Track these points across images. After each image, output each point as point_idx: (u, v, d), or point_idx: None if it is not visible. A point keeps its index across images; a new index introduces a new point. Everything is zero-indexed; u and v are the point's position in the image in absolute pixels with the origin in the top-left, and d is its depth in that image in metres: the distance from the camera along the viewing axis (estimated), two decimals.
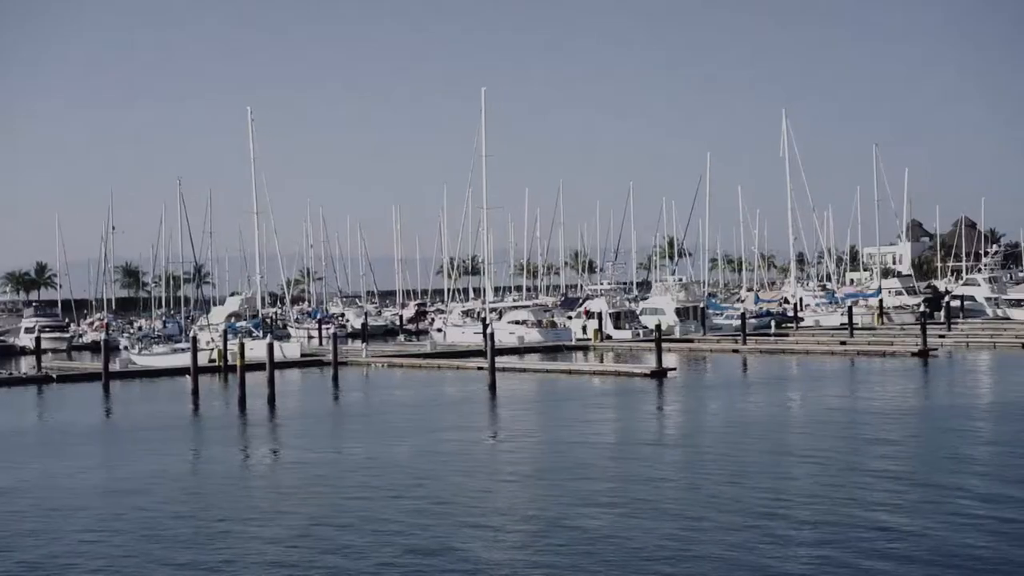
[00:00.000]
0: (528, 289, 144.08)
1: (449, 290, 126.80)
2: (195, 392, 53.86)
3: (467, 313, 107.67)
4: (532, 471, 32.29)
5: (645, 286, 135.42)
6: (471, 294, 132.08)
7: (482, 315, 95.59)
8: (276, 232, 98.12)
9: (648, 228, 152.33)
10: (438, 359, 76.57)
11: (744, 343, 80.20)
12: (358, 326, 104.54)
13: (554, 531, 24.13)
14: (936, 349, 70.54)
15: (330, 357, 67.92)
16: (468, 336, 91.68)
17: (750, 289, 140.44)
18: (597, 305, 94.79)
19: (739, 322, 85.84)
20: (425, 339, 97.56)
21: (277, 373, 54.59)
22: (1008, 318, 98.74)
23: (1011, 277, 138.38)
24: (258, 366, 57.31)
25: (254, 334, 79.08)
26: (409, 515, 26.08)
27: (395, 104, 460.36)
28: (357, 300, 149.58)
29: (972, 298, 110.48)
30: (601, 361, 75.83)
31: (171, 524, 25.83)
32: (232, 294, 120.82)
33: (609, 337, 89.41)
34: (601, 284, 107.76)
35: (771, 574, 20.35)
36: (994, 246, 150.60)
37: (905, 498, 26.40)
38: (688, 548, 22.25)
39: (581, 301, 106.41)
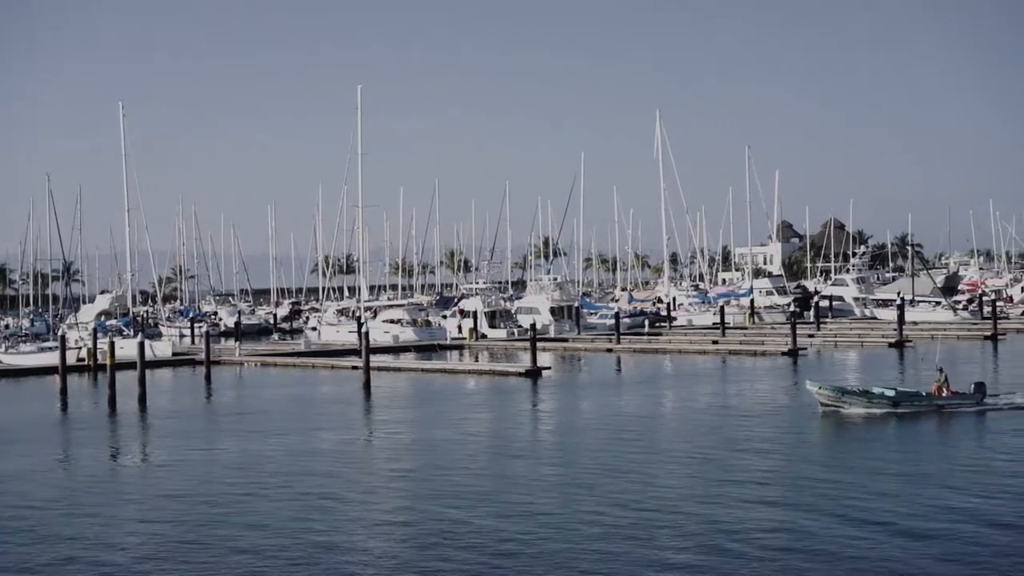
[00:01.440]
0: (403, 288, 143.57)
1: (324, 289, 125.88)
2: (63, 392, 52.73)
3: (342, 312, 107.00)
4: (405, 470, 32.31)
5: (520, 285, 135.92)
6: (346, 293, 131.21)
7: (357, 314, 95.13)
8: (148, 229, 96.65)
9: (523, 227, 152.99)
10: (312, 358, 76.17)
11: (618, 342, 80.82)
12: (231, 325, 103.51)
13: (425, 529, 24.31)
14: (805, 348, 71.73)
15: (202, 356, 67.16)
16: (343, 335, 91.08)
17: (624, 289, 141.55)
18: (472, 304, 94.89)
19: (613, 321, 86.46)
20: (299, 338, 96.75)
21: (148, 372, 53.79)
22: (875, 318, 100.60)
23: (878, 278, 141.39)
24: (128, 365, 56.36)
25: (124, 332, 77.97)
26: (281, 513, 26.07)
27: (271, 101, 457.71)
28: (230, 298, 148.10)
29: (840, 298, 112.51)
30: (476, 360, 75.97)
31: (39, 524, 25.47)
32: (102, 292, 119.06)
33: (484, 336, 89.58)
34: (476, 283, 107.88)
35: (643, 566, 20.65)
36: (862, 247, 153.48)
37: (771, 493, 26.92)
38: (555, 544, 22.57)
39: (456, 300, 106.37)
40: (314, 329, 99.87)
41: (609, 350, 79.01)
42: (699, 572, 20.47)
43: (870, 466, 30.34)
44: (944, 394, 40.71)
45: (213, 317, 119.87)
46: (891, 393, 40.84)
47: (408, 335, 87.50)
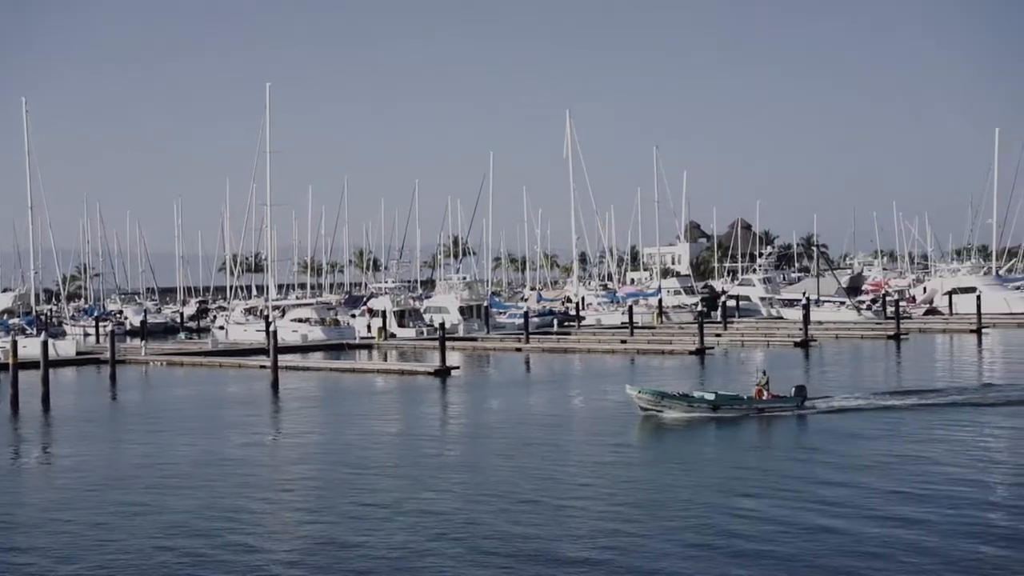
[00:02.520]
0: (312, 287, 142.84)
1: (231, 287, 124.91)
2: None
3: (250, 311, 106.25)
4: (312, 469, 32.22)
5: (429, 284, 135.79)
6: (254, 291, 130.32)
7: (265, 313, 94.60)
8: (51, 227, 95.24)
9: (433, 227, 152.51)
10: (220, 357, 75.65)
11: (527, 342, 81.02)
12: (137, 323, 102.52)
13: (328, 529, 24.35)
14: (712, 348, 72.36)
15: (107, 355, 66.45)
16: (250, 334, 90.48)
17: (533, 288, 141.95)
18: (381, 303, 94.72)
19: (522, 321, 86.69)
20: (206, 337, 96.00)
21: (52, 372, 53.18)
22: (781, 317, 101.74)
23: (784, 278, 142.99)
24: (32, 364, 55.57)
25: (27, 331, 76.84)
26: (186, 514, 25.87)
27: (178, 98, 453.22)
28: (136, 297, 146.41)
29: (747, 298, 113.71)
30: (385, 359, 75.77)
31: None
32: (4, 290, 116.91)
33: (393, 335, 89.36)
34: (385, 282, 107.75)
35: (549, 561, 20.81)
36: (768, 248, 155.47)
37: (660, 482, 27.24)
38: (459, 542, 22.70)
39: (365, 299, 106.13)
40: (221, 328, 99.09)
41: (518, 349, 79.18)
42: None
43: (676, 472, 30.29)
44: (765, 397, 40.67)
45: (118, 316, 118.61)
46: (711, 397, 40.54)
47: (316, 334, 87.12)
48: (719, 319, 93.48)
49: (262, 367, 63.13)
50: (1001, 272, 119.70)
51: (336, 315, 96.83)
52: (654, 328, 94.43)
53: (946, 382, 50.68)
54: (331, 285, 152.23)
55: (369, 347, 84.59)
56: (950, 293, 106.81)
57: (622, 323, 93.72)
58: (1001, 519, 23.74)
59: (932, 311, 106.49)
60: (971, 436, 35.05)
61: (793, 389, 41.56)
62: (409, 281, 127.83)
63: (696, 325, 76.69)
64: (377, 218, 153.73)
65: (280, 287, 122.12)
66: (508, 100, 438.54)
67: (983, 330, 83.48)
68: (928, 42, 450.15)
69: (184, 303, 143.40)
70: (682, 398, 40.56)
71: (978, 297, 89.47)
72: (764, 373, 42.05)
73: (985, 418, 38.83)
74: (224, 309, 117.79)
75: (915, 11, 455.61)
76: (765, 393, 40.83)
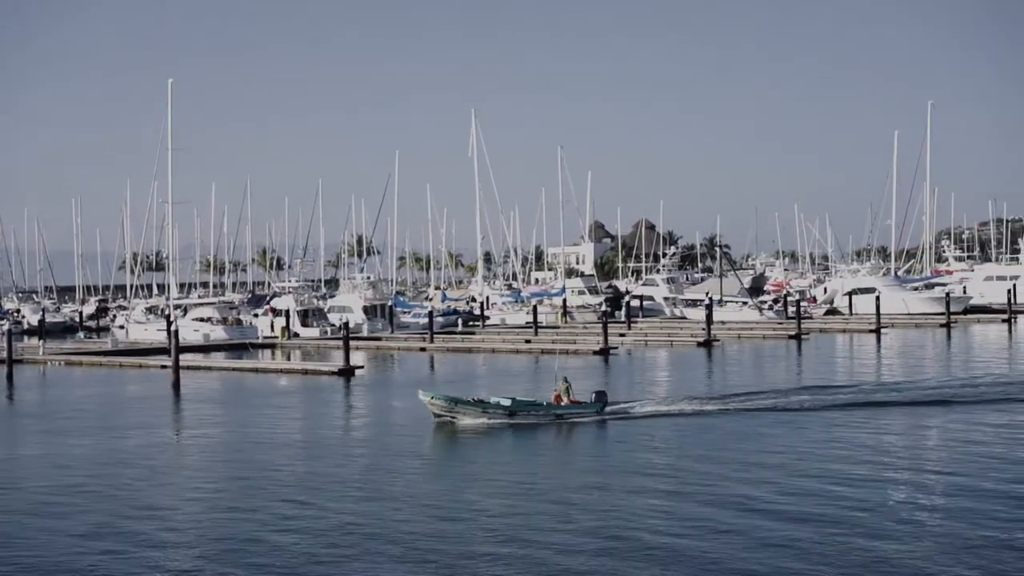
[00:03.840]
0: (215, 286, 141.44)
1: (132, 286, 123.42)
2: None
3: (150, 310, 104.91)
4: (212, 469, 32.08)
5: (333, 284, 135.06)
6: (155, 290, 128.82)
7: (166, 312, 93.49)
8: None
9: (337, 225, 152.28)
10: (120, 357, 74.71)
11: (431, 341, 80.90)
12: (35, 322, 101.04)
13: (227, 529, 24.27)
14: (616, 347, 72.73)
15: (4, 355, 65.31)
16: (151, 333, 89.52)
17: (438, 287, 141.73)
18: (284, 302, 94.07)
19: (427, 320, 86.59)
20: (106, 336, 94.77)
21: None
22: (685, 317, 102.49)
23: (687, 278, 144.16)
24: None
25: None
26: (86, 514, 25.63)
27: (77, 94, 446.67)
28: (34, 296, 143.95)
29: (651, 298, 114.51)
30: (288, 359, 75.25)
31: None
32: None
33: (296, 335, 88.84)
34: (289, 281, 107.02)
35: (452, 555, 20.80)
36: (672, 248, 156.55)
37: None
38: (359, 541, 22.74)
39: (268, 298, 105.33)
40: (122, 327, 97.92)
41: (422, 349, 79.04)
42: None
43: (462, 480, 29.78)
44: (564, 403, 39.90)
45: (16, 315, 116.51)
46: (507, 403, 39.34)
47: (219, 334, 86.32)
48: (623, 319, 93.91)
49: (163, 367, 62.50)
50: (900, 273, 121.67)
51: (239, 314, 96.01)
52: (558, 328, 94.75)
53: (777, 385, 50.33)
54: (234, 284, 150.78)
55: (272, 347, 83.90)
56: (850, 294, 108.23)
57: (527, 323, 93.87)
58: (750, 522, 23.90)
59: (832, 311, 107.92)
60: (764, 440, 34.84)
61: (593, 395, 40.91)
62: (313, 280, 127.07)
63: (600, 325, 76.99)
64: (281, 217, 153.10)
65: (182, 286, 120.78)
66: (413, 99, 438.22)
67: (882, 330, 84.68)
68: (832, 43, 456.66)
69: (83, 302, 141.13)
70: (476, 404, 39.57)
71: (877, 298, 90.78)
72: (566, 380, 40.86)
73: (780, 423, 38.46)
74: (124, 308, 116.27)
75: (816, 9, 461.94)
76: (564, 399, 40.04)
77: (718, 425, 38.19)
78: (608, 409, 40.33)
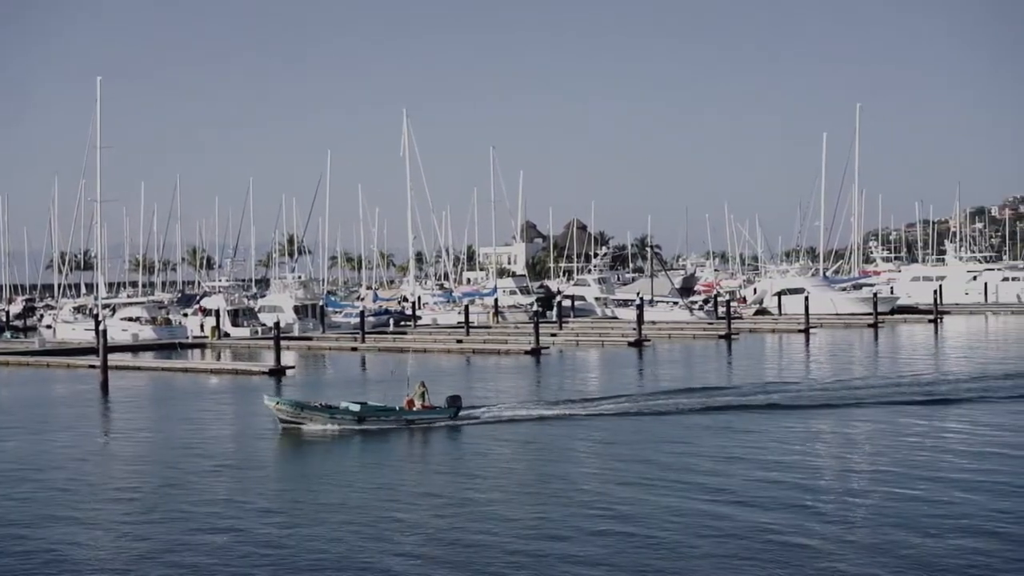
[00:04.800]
0: (144, 285, 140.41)
1: (60, 285, 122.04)
2: None
3: (79, 309, 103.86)
4: (140, 469, 31.91)
5: (264, 283, 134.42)
6: (83, 290, 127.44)
7: (94, 311, 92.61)
8: None
9: (267, 225, 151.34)
10: (47, 357, 73.93)
11: (363, 341, 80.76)
12: None
13: (154, 530, 24.21)
14: (548, 348, 72.91)
15: None
16: (79, 333, 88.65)
17: (369, 287, 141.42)
18: (215, 302, 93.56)
19: (358, 320, 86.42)
20: (34, 336, 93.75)
21: None
22: (616, 317, 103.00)
23: (619, 278, 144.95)
24: None
25: None
26: (9, 516, 25.51)
27: (2, 91, 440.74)
28: None
29: (582, 298, 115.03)
30: (218, 359, 74.86)
31: None
32: None
33: (227, 335, 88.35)
34: (219, 281, 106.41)
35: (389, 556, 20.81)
36: (603, 248, 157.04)
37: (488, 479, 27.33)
38: (283, 541, 22.74)
39: (198, 298, 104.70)
40: (49, 327, 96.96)
41: (354, 349, 78.89)
42: None
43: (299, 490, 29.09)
44: (416, 408, 39.06)
45: None
46: (356, 408, 38.61)
47: (148, 333, 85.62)
48: (555, 319, 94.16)
49: (91, 367, 61.89)
50: (828, 273, 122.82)
51: (168, 314, 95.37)
52: (490, 328, 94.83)
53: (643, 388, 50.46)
54: (163, 283, 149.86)
55: (202, 346, 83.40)
56: (779, 294, 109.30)
57: (458, 323, 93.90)
58: (575, 525, 23.94)
59: (762, 311, 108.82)
60: (593, 444, 34.98)
61: (447, 399, 39.90)
62: (243, 280, 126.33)
63: (532, 325, 77.19)
64: (211, 216, 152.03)
65: (110, 285, 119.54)
66: (345, 98, 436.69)
67: (810, 330, 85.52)
68: (762, 44, 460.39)
69: (10, 301, 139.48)
70: (324, 409, 38.70)
71: (806, 298, 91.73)
72: (422, 384, 39.99)
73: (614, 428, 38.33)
74: (52, 307, 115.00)
75: (747, 11, 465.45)
76: (419, 404, 39.21)
77: (575, 430, 37.73)
78: (463, 413, 39.47)
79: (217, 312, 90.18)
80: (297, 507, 26.40)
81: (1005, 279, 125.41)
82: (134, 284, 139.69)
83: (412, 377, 42.19)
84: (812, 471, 29.75)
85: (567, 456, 32.70)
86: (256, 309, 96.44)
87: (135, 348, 79.76)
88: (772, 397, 45.41)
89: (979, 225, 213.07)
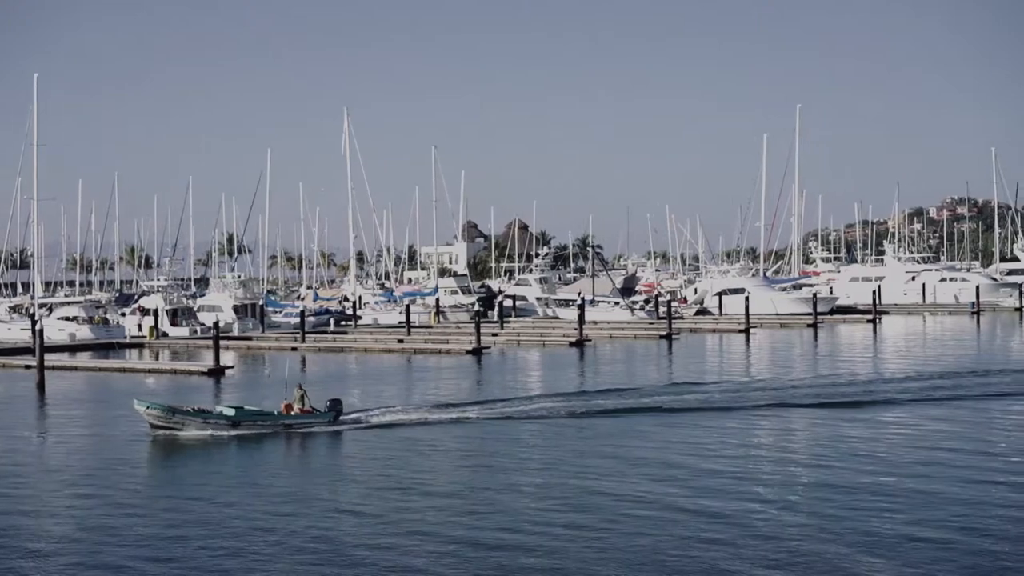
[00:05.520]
0: (81, 284, 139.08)
1: None
2: None
3: (15, 309, 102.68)
4: (76, 471, 31.63)
5: (203, 283, 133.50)
6: (19, 289, 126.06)
7: (31, 311, 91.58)
8: None
9: (207, 224, 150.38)
10: None
11: (303, 341, 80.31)
12: None
13: (88, 530, 24.14)
14: (489, 347, 72.82)
15: None
16: (15, 333, 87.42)
17: (309, 287, 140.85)
18: (153, 301, 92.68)
19: (298, 320, 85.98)
20: None
21: None
22: (557, 317, 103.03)
23: (560, 278, 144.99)
24: None
25: None
26: None
27: None
28: None
29: (524, 298, 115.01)
30: (157, 359, 74.17)
31: None
32: None
33: (165, 334, 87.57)
34: (158, 280, 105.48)
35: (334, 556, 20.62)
36: (545, 248, 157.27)
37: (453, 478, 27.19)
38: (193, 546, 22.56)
39: (137, 297, 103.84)
40: None
41: (294, 349, 78.43)
42: None
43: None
44: (295, 412, 38.36)
45: None
46: (231, 412, 37.81)
47: (85, 333, 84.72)
48: (496, 319, 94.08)
49: (27, 367, 61.28)
50: (768, 274, 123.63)
51: (106, 313, 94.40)
52: (431, 327, 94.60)
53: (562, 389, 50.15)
54: (101, 283, 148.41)
55: (140, 346, 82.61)
56: (720, 294, 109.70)
57: (399, 322, 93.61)
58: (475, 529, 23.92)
59: (703, 311, 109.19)
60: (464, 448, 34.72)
61: (327, 403, 39.18)
62: (182, 279, 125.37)
63: (473, 325, 77.03)
64: (150, 215, 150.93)
65: (47, 284, 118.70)
66: (286, 97, 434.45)
67: (751, 330, 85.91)
68: (704, 45, 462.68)
69: None
70: (197, 414, 37.93)
71: (746, 298, 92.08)
72: (300, 387, 39.42)
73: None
74: None
75: (690, 11, 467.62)
76: (297, 407, 38.52)
77: (461, 434, 37.43)
78: (343, 418, 38.90)
79: (155, 312, 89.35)
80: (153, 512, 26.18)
81: (943, 280, 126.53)
82: (71, 283, 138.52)
83: (289, 380, 41.70)
84: (699, 474, 29.76)
85: (437, 461, 32.29)
86: (195, 309, 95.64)
87: (72, 348, 78.91)
88: (689, 398, 45.33)
89: (917, 226, 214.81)
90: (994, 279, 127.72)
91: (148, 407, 37.82)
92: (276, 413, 38.49)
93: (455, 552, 21.92)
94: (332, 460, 33.79)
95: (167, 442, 36.25)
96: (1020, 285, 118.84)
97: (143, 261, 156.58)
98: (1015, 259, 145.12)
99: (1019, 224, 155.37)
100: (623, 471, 29.85)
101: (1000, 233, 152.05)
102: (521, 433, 37.39)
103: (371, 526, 24.17)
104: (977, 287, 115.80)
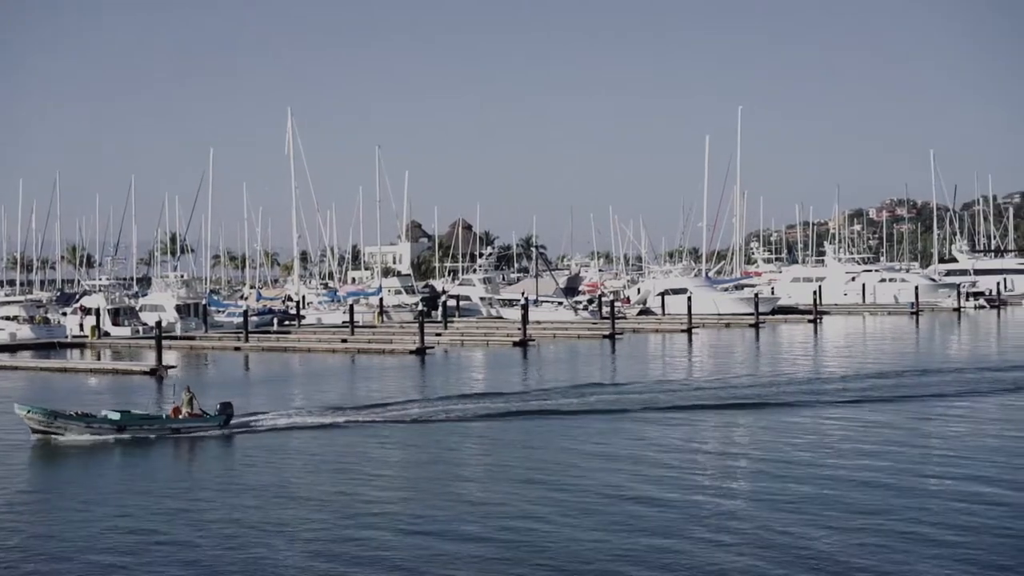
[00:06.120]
0: (22, 284, 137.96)
1: None
2: None
3: None
4: (11, 472, 31.60)
5: (145, 282, 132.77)
6: None
7: None
8: None
9: (149, 223, 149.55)
10: None
11: (246, 341, 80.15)
12: None
13: (17, 531, 24.19)
14: (433, 347, 72.94)
15: None
16: None
17: (253, 287, 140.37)
18: (95, 301, 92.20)
19: (241, 320, 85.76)
20: None
21: None
22: (501, 317, 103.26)
23: (504, 278, 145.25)
24: None
25: None
26: None
27: None
28: None
29: (468, 298, 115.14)
30: (98, 359, 73.79)
31: None
32: None
33: (107, 334, 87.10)
34: (99, 279, 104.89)
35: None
36: (488, 248, 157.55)
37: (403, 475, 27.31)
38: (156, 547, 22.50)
39: (78, 297, 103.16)
40: None
41: (237, 349, 78.25)
42: None
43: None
44: (183, 416, 37.69)
45: None
46: (116, 416, 37.04)
47: (25, 333, 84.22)
48: (440, 319, 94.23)
49: None
50: (711, 274, 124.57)
51: (46, 313, 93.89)
52: (375, 327, 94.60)
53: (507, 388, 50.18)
54: (42, 282, 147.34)
55: (82, 346, 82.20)
56: (663, 294, 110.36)
57: (343, 322, 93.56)
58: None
59: (645, 311, 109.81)
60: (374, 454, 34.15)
61: (218, 406, 38.52)
62: (124, 278, 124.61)
63: (417, 324, 77.15)
64: (91, 214, 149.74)
65: None
66: (229, 96, 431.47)
67: (693, 330, 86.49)
68: (647, 45, 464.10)
69: None
70: (81, 418, 36.97)
71: (689, 298, 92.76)
72: (189, 390, 38.83)
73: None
74: None
75: (633, 10, 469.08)
76: (186, 411, 37.95)
77: (353, 438, 36.68)
78: (234, 421, 38.32)
79: (97, 311, 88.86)
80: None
81: (883, 280, 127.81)
82: (11, 283, 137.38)
83: (178, 383, 41.27)
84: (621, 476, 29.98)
85: (316, 466, 31.74)
86: (137, 308, 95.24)
87: (12, 348, 78.48)
88: (634, 398, 45.42)
89: (857, 227, 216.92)
90: (933, 280, 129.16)
91: (29, 411, 36.96)
92: (164, 417, 37.99)
93: (321, 552, 21.99)
94: (211, 466, 32.72)
95: (45, 447, 35.48)
96: (958, 286, 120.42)
97: (85, 260, 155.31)
98: (953, 260, 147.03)
99: (957, 225, 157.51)
100: (533, 472, 29.81)
101: (939, 234, 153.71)
102: (429, 434, 37.21)
103: (235, 531, 23.87)
104: (916, 288, 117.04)
